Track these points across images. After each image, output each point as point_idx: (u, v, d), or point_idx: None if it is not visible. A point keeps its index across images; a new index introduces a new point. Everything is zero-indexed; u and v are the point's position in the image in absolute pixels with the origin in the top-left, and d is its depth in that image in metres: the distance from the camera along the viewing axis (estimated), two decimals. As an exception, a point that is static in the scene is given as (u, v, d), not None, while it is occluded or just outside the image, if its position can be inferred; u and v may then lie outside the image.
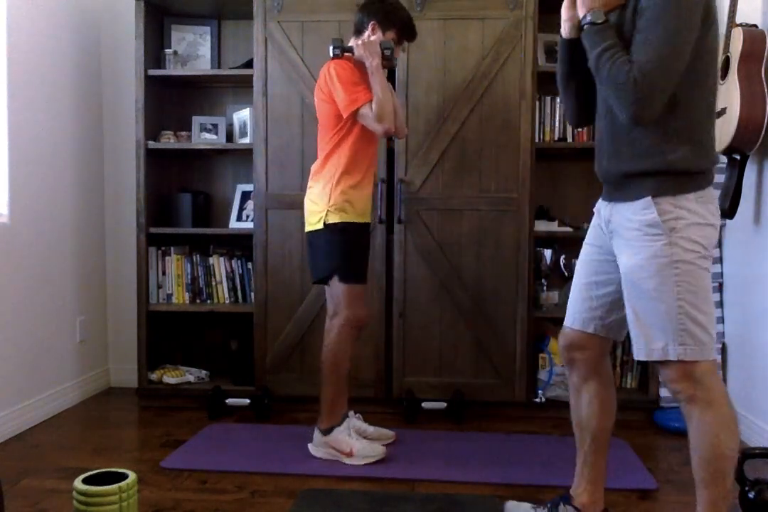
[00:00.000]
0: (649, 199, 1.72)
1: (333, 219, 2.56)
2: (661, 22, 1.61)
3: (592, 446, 2.00)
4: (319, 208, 2.58)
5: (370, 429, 2.80)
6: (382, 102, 2.47)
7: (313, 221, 2.61)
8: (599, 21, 1.71)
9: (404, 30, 2.64)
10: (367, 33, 2.60)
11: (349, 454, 2.57)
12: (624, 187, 1.79)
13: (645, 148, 1.73)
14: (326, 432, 2.62)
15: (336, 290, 2.61)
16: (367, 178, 2.65)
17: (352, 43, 2.63)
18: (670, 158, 1.70)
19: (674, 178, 1.71)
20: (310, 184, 2.66)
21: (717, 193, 3.02)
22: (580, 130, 3.26)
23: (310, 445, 2.67)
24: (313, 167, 2.67)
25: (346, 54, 2.58)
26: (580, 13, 1.76)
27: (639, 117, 1.66)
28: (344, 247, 2.58)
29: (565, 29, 1.84)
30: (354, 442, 2.59)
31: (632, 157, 1.75)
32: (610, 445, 2.04)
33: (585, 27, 1.74)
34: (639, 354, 1.78)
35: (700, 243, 1.71)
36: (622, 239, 1.79)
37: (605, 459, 2.03)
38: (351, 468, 2.53)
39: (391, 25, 2.61)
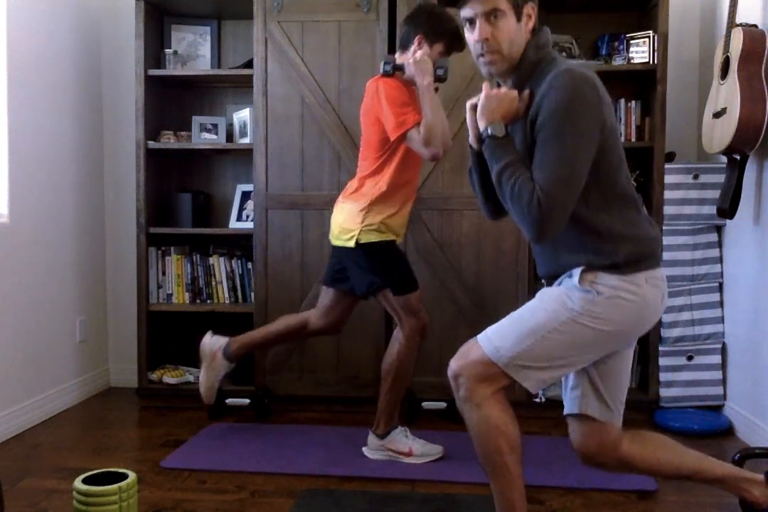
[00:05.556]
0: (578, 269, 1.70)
1: (367, 238, 2.49)
2: (558, 141, 1.59)
3: None
4: (350, 226, 2.51)
5: None
6: (431, 125, 2.32)
7: (344, 238, 2.53)
8: (500, 135, 1.67)
9: (452, 42, 2.45)
10: (413, 47, 2.44)
11: (408, 454, 2.58)
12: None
13: (588, 246, 1.70)
14: (383, 435, 2.62)
15: (393, 303, 2.58)
16: (407, 204, 2.58)
17: (399, 58, 2.48)
18: (615, 260, 1.68)
19: (621, 266, 1.69)
20: (342, 199, 2.58)
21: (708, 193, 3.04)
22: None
23: (365, 449, 2.66)
24: (350, 184, 2.59)
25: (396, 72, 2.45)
26: (481, 126, 1.70)
27: (542, 235, 1.63)
28: (386, 263, 2.53)
29: (471, 138, 1.76)
30: (412, 442, 2.60)
31: (572, 252, 1.72)
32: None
33: (486, 140, 1.68)
34: (483, 340, 1.81)
35: (611, 321, 1.69)
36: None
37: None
38: (351, 467, 2.54)
39: (438, 37, 2.44)
